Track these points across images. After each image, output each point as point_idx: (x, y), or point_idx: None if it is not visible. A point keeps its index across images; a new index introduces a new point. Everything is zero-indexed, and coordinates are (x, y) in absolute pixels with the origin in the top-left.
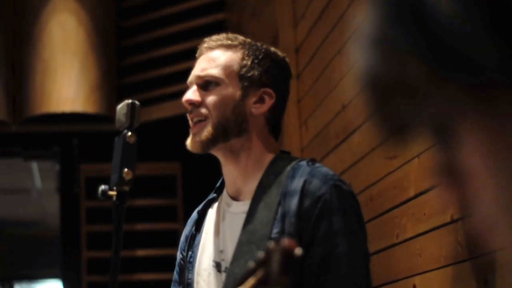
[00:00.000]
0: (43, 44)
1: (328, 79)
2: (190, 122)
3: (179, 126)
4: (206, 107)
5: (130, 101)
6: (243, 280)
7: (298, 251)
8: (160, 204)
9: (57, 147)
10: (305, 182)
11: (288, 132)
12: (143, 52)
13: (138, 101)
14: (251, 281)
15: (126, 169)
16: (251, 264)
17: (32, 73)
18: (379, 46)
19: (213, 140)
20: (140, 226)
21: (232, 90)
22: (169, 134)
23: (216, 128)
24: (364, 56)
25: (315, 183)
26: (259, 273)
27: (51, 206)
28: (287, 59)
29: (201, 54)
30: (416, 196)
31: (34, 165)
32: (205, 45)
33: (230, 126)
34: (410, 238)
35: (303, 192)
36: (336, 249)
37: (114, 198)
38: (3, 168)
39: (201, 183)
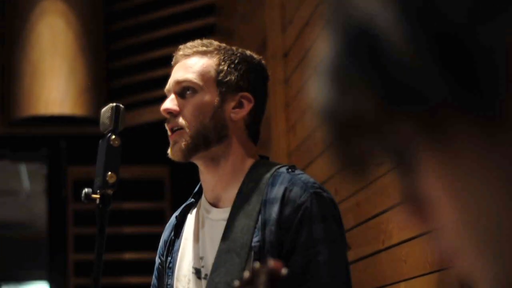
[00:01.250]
0: (32, 46)
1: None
2: (168, 131)
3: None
4: (184, 117)
5: (114, 104)
6: None
7: (284, 272)
8: (148, 207)
9: (45, 149)
10: (285, 190)
11: (276, 136)
12: (133, 55)
13: (127, 104)
14: None
15: (109, 173)
16: (236, 283)
17: (20, 75)
18: (335, 78)
19: (193, 149)
20: (128, 229)
21: (210, 97)
22: (158, 137)
23: (195, 137)
24: (321, 88)
25: (296, 190)
26: None
27: (39, 208)
28: (263, 62)
29: (177, 62)
30: (402, 202)
31: (23, 167)
32: (181, 52)
33: (210, 134)
34: (396, 244)
35: (284, 200)
36: (317, 257)
37: (98, 201)
38: None
39: (189, 186)
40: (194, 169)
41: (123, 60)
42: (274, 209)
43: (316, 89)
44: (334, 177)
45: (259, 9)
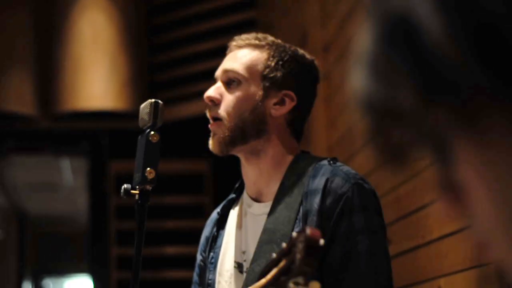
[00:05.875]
0: (74, 41)
1: None
2: (209, 119)
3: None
4: (225, 107)
5: (153, 100)
6: (266, 271)
7: (321, 240)
8: (189, 201)
9: (86, 143)
10: (327, 180)
11: (316, 130)
12: (174, 49)
13: (169, 98)
14: (273, 271)
15: (148, 168)
16: (274, 255)
17: (62, 70)
18: (375, 68)
19: (231, 142)
20: (169, 224)
21: (253, 90)
22: (200, 131)
23: (232, 130)
24: (361, 78)
25: (337, 181)
26: (282, 263)
27: (82, 203)
28: (316, 63)
29: (230, 51)
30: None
31: (66, 162)
32: (234, 43)
33: (247, 128)
34: (436, 239)
35: (325, 191)
36: (356, 247)
37: (137, 197)
38: (35, 165)
39: (230, 181)
40: (236, 163)
41: (164, 54)
42: (316, 200)
43: (356, 79)
44: (375, 171)
45: (298, 3)
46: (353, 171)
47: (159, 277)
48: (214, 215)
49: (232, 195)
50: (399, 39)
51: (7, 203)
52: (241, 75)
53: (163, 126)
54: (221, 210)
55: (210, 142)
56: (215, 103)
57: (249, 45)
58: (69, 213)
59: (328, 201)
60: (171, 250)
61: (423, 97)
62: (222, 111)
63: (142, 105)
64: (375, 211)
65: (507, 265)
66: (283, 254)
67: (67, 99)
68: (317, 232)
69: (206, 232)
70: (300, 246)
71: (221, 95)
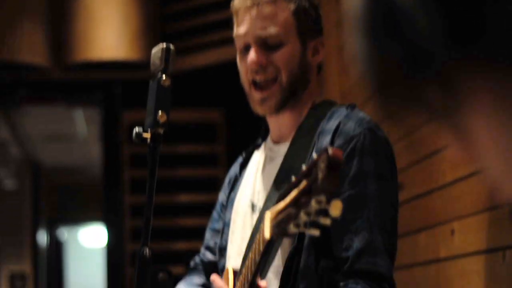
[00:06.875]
0: None
1: None
2: (252, 86)
3: (223, 73)
4: (275, 66)
5: (164, 44)
6: (284, 195)
7: (344, 159)
8: (203, 150)
9: (99, 94)
10: (340, 123)
11: (328, 77)
12: None
13: (182, 48)
14: (293, 193)
15: (160, 112)
16: (293, 178)
17: (75, 20)
18: (368, 34)
19: (284, 102)
20: (182, 172)
21: (295, 47)
22: (213, 81)
23: (287, 88)
24: (359, 41)
25: (350, 124)
26: (303, 185)
27: (96, 152)
28: None
29: (245, 10)
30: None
31: (79, 112)
32: (249, 1)
33: (298, 82)
34: (449, 183)
35: (337, 132)
36: (364, 190)
37: (149, 140)
38: (48, 115)
39: (244, 129)
40: (250, 112)
41: (177, 4)
42: (326, 139)
43: (355, 43)
44: (388, 118)
45: None
46: (369, 117)
47: (172, 224)
48: (240, 158)
49: (259, 140)
50: (381, 17)
51: (21, 154)
52: (281, 37)
53: (176, 76)
54: (245, 153)
55: (259, 107)
56: (263, 67)
57: (269, 1)
58: (83, 163)
59: (338, 141)
60: (184, 197)
61: (407, 70)
62: (274, 71)
63: (154, 50)
64: (386, 157)
65: None
66: (303, 175)
67: (79, 49)
68: (339, 151)
69: (230, 173)
70: (322, 165)
71: (266, 58)
